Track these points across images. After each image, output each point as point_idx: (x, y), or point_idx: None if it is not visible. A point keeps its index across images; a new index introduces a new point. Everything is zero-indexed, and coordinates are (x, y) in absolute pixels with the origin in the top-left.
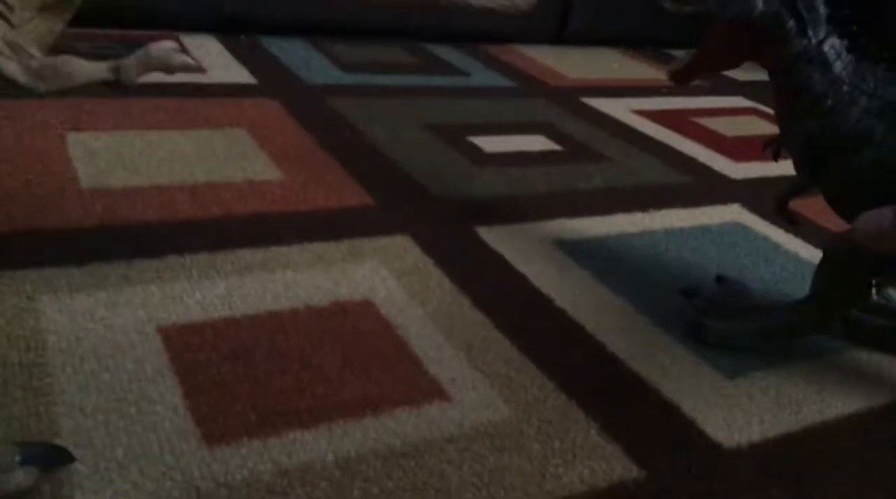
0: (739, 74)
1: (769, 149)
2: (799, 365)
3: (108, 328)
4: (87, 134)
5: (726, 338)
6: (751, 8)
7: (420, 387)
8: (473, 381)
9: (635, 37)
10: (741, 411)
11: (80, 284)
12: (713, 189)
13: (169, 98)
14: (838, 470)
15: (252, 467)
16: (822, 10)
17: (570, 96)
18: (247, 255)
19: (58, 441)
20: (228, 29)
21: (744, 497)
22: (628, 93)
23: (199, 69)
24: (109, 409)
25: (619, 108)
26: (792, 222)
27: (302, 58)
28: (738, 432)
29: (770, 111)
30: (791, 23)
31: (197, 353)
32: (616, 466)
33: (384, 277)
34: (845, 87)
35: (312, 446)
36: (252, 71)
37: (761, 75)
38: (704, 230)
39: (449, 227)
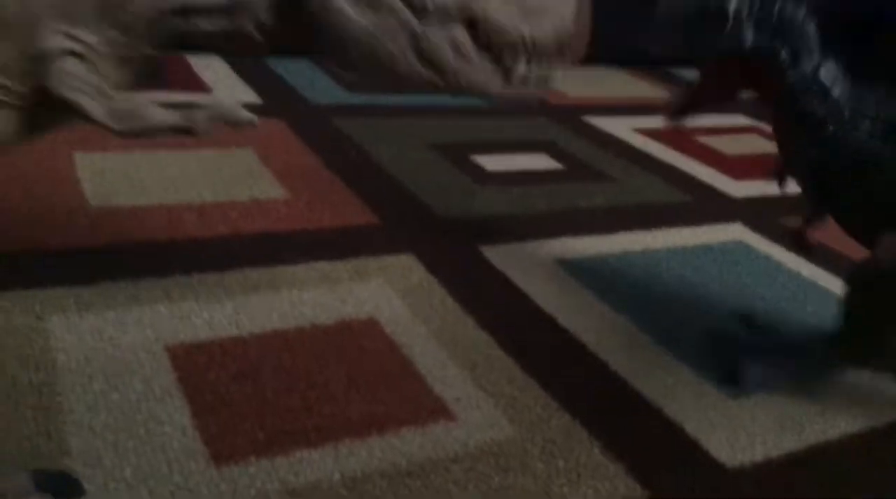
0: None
1: (774, 177)
2: (801, 385)
3: (116, 348)
4: (95, 154)
5: (768, 383)
6: (740, 42)
7: (425, 406)
8: (478, 400)
9: (638, 56)
10: (744, 430)
11: (89, 303)
12: (715, 208)
13: None
14: (841, 490)
15: (260, 486)
16: (814, 35)
17: (572, 115)
18: (253, 274)
19: (67, 461)
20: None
21: None
22: (630, 111)
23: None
24: (118, 428)
25: (621, 127)
26: (813, 253)
27: (307, 78)
28: (741, 451)
29: (770, 128)
30: (784, 53)
31: (205, 372)
32: (619, 485)
33: (389, 295)
34: (846, 113)
35: (319, 465)
36: (258, 91)
37: None
38: (706, 249)
39: (453, 245)
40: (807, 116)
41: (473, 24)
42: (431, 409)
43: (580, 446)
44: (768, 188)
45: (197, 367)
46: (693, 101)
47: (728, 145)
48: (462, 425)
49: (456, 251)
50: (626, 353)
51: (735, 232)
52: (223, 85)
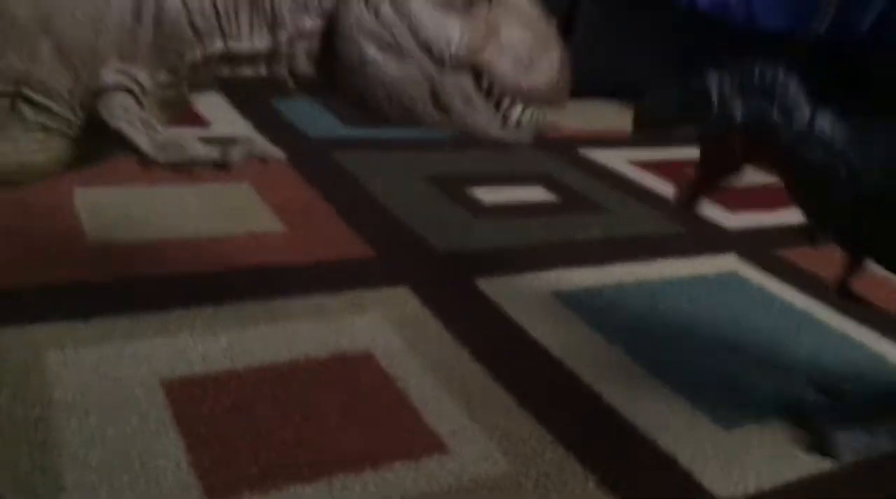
0: None
1: (806, 240)
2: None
3: (112, 382)
4: (94, 188)
5: (866, 451)
6: (729, 120)
7: (419, 440)
8: (472, 433)
9: (633, 88)
10: (738, 462)
11: (86, 338)
12: (709, 239)
13: None
14: None
15: None
16: (799, 89)
17: (567, 148)
18: (249, 307)
19: (63, 496)
20: None
21: None
22: (625, 143)
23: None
24: (114, 463)
25: (616, 159)
26: (860, 302)
27: (305, 112)
28: (734, 484)
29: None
30: (776, 114)
31: (199, 406)
32: None
33: (384, 328)
34: (852, 155)
35: None
36: (256, 125)
37: None
38: (701, 280)
39: (448, 278)
40: (813, 168)
41: (478, 75)
42: (426, 442)
43: (574, 480)
44: (761, 220)
45: (192, 401)
46: (700, 185)
47: None
48: (456, 459)
49: (452, 284)
50: (621, 384)
51: (730, 263)
52: (222, 119)
